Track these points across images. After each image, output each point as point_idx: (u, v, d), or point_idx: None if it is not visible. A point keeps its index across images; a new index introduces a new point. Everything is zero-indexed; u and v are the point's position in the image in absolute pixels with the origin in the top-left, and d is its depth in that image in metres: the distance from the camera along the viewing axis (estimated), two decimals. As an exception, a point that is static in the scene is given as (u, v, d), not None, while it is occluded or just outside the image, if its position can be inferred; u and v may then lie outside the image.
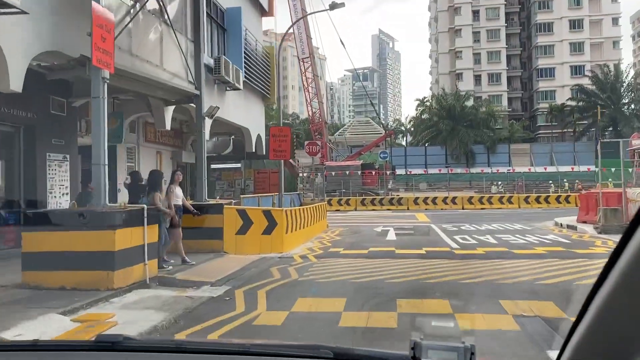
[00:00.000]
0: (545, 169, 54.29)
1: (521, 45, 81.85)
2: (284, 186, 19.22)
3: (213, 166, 21.22)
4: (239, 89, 15.74)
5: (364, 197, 34.47)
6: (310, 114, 48.56)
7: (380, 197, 34.27)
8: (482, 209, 31.47)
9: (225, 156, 20.80)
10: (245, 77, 16.83)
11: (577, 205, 31.50)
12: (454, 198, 32.42)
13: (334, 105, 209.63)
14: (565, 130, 68.52)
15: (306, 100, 48.79)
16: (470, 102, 60.63)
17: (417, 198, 32.89)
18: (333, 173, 42.61)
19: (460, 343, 1.31)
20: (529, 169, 51.58)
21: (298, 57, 48.47)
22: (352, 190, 41.00)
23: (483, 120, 58.71)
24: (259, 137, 20.07)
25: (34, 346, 1.57)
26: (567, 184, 45.29)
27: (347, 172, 41.61)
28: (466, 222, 21.88)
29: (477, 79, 78.22)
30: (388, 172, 42.38)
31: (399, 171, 52.55)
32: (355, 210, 32.75)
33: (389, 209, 32.26)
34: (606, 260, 0.99)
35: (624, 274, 0.94)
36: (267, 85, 19.95)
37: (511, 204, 31.89)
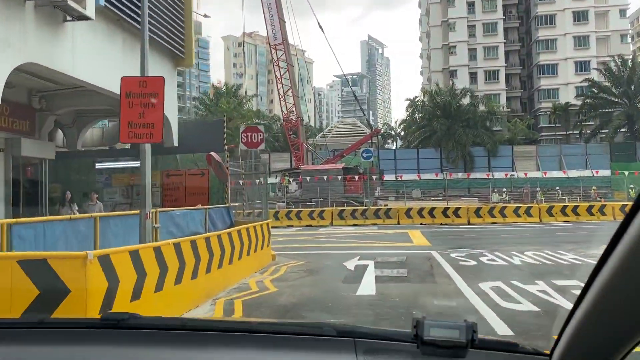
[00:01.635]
0: (545, 173, 47.62)
1: (520, 40, 75.43)
2: (207, 197, 12.19)
3: (99, 165, 14.21)
4: (87, 18, 8.59)
5: (342, 208, 27.27)
6: (285, 111, 41.46)
7: (363, 207, 27.10)
8: (492, 223, 24.46)
9: (120, 151, 13.72)
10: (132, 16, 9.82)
11: (615, 219, 24.87)
12: (457, 209, 25.37)
13: (323, 112, 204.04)
14: (571, 132, 61.96)
15: (279, 94, 41.75)
16: (467, 100, 53.84)
17: (409, 209, 25.80)
18: (308, 179, 35.49)
19: (462, 321, 1.31)
20: (544, 174, 44.67)
21: (269, 44, 41.46)
22: (330, 199, 33.95)
23: (482, 119, 51.85)
24: (166, 120, 12.97)
25: (40, 324, 1.59)
26: (592, 191, 38.62)
27: (326, 178, 34.51)
28: (483, 247, 14.86)
29: (473, 76, 71.52)
30: (374, 177, 35.31)
31: (387, 177, 45.47)
32: (331, 225, 25.62)
33: (374, 224, 25.19)
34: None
35: (617, 270, 0.96)
36: (178, 38, 12.84)
37: (530, 216, 24.87)
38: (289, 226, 25.75)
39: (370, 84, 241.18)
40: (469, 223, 24.84)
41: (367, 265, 11.57)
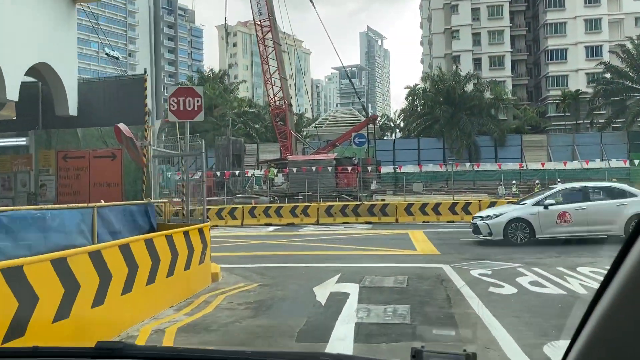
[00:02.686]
0: (565, 164, 43.38)
1: (526, 24, 71.05)
2: (121, 189, 8.14)
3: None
4: None
5: (330, 203, 23.13)
6: (272, 95, 37.22)
7: (355, 203, 22.94)
8: (510, 221, 20.29)
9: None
10: None
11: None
12: (467, 205, 21.20)
13: (321, 104, 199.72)
14: (582, 121, 57.73)
15: (264, 76, 37.46)
16: (471, 87, 49.56)
17: (410, 205, 21.62)
18: (295, 170, 31.34)
19: (462, 351, 1.28)
20: (564, 164, 40.37)
21: (254, 20, 37.20)
22: (320, 193, 29.82)
23: (489, 106, 47.59)
24: (59, 81, 8.78)
25: (34, 352, 1.56)
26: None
27: (315, 169, 30.34)
28: (511, 258, 10.78)
29: (477, 62, 67.18)
30: (370, 169, 31.15)
31: (385, 169, 41.21)
32: (317, 223, 21.50)
33: (368, 222, 21.10)
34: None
35: (628, 279, 0.94)
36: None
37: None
38: (267, 224, 21.67)
39: (369, 76, 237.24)
40: (481, 221, 20.68)
41: (347, 295, 7.46)
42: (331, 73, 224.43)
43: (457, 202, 21.42)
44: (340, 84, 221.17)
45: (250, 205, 23.21)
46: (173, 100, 9.26)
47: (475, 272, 9.36)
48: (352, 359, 1.53)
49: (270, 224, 21.75)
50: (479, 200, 22.30)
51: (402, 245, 13.75)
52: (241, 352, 1.62)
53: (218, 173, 31.45)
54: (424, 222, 20.71)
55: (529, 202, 13.85)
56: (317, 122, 59.15)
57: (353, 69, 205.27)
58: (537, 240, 12.94)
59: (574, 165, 41.76)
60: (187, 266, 8.06)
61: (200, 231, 9.10)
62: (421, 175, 42.20)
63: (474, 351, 1.28)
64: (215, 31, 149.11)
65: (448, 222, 20.67)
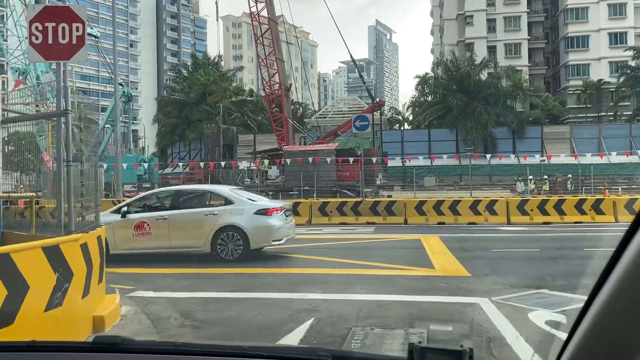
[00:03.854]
0: (602, 155, 39.22)
1: (545, 10, 66.70)
2: None
3: None
4: None
5: (325, 200, 19.29)
6: (267, 79, 33.44)
7: (355, 199, 19.08)
8: (545, 223, 16.49)
9: None
10: None
11: None
12: (492, 203, 17.31)
13: (328, 98, 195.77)
14: (605, 113, 53.56)
15: (258, 57, 33.70)
16: (485, 75, 45.55)
17: (422, 202, 17.67)
18: (289, 161, 27.61)
19: (459, 347, 1.26)
20: (601, 156, 36.10)
21: (247, -5, 33.37)
22: (318, 188, 26.18)
23: (506, 94, 43.53)
24: None
25: (31, 346, 1.55)
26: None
27: (311, 160, 26.60)
28: (579, 282, 6.92)
29: (492, 50, 62.68)
30: (375, 160, 27.33)
31: (392, 162, 37.28)
32: (309, 224, 17.72)
33: (370, 223, 17.32)
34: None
35: (626, 275, 0.93)
36: None
37: (601, 213, 16.80)
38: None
39: (378, 70, 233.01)
40: (509, 222, 16.86)
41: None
42: (339, 67, 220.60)
43: (480, 200, 17.50)
44: (348, 78, 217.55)
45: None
46: (36, 29, 5.51)
47: (537, 316, 5.60)
48: (350, 354, 1.40)
49: (253, 224, 18.00)
50: (505, 198, 18.42)
51: (414, 259, 9.98)
52: (238, 347, 1.55)
53: (202, 164, 27.76)
54: (439, 223, 16.88)
55: (113, 208, 10.79)
56: (320, 113, 55.30)
57: (361, 62, 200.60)
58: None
59: (621, 159, 37.23)
60: (52, 304, 4.37)
61: (84, 247, 5.41)
62: (432, 169, 38.31)
63: (471, 346, 1.26)
64: (219, 21, 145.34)
65: (469, 224, 16.83)
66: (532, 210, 17.12)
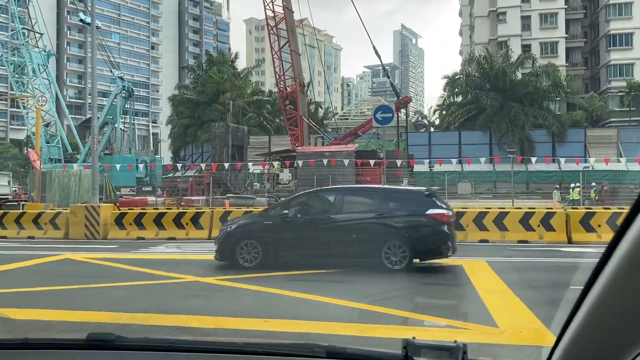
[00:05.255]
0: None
1: (583, 7, 62.33)
2: None
3: None
4: None
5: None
6: (280, 74, 30.29)
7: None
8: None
9: None
10: None
11: None
12: (549, 217, 13.67)
13: (351, 102, 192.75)
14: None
15: (272, 50, 30.59)
16: (520, 74, 41.64)
17: (460, 214, 14.05)
18: (300, 163, 24.35)
19: (453, 342, 1.29)
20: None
21: (259, -19, 30.30)
22: (334, 195, 22.72)
23: (545, 94, 39.61)
24: None
25: (25, 344, 1.55)
26: None
27: (326, 162, 23.28)
28: None
29: (526, 49, 58.72)
30: (399, 163, 23.86)
31: (418, 167, 33.58)
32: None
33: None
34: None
35: (617, 271, 0.94)
36: None
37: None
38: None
39: (403, 75, 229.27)
40: (570, 241, 13.22)
41: None
42: (363, 72, 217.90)
43: (533, 212, 13.82)
44: (372, 83, 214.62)
45: (223, 210, 16.23)
46: None
47: None
48: (345, 349, 1.37)
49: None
50: (564, 210, 14.78)
51: (457, 304, 6.56)
52: (233, 344, 1.55)
53: (203, 166, 24.65)
54: (480, 241, 13.35)
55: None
56: (341, 114, 52.01)
57: (386, 67, 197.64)
58: None
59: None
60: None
61: None
62: (463, 174, 34.61)
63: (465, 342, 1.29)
64: (242, 24, 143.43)
65: (519, 242, 13.25)
66: (599, 225, 13.45)
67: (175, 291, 7.42)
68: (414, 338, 1.31)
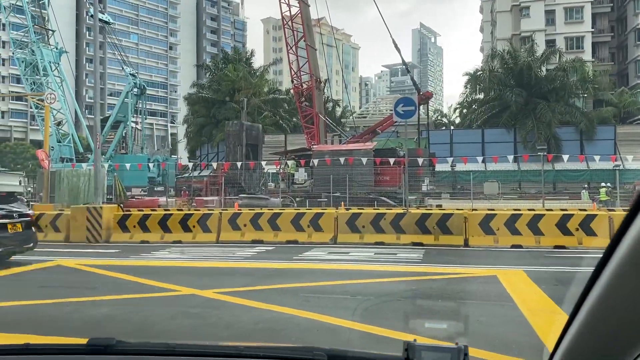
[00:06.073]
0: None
1: (610, 0, 60.22)
2: None
3: None
4: None
5: (356, 211, 14.60)
6: (295, 69, 29.25)
7: (396, 211, 14.33)
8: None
9: None
10: None
11: None
12: (589, 219, 12.34)
13: (369, 102, 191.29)
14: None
15: (287, 45, 29.57)
16: (544, 70, 39.94)
17: (490, 217, 12.78)
18: (316, 162, 23.27)
19: (454, 344, 1.29)
20: None
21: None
22: (352, 195, 21.81)
23: (573, 90, 37.91)
24: None
25: (26, 349, 1.55)
26: None
27: (343, 161, 22.16)
28: None
29: (550, 44, 56.83)
30: (420, 162, 22.63)
31: (439, 166, 32.26)
32: (334, 242, 13.27)
33: (417, 243, 12.68)
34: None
35: (618, 272, 0.94)
36: None
37: None
38: (255, 242, 13.65)
39: (421, 74, 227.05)
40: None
41: None
42: (381, 71, 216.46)
43: (572, 215, 12.50)
44: (390, 82, 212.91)
45: (232, 211, 15.20)
46: None
47: None
48: (346, 352, 1.39)
49: (261, 242, 13.70)
50: (605, 212, 13.43)
51: (501, 328, 5.38)
52: (234, 347, 1.55)
53: (215, 165, 23.69)
54: (512, 246, 12.10)
55: None
56: (359, 113, 50.80)
57: (404, 66, 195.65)
58: None
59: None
60: None
61: None
62: (486, 173, 33.19)
63: (466, 344, 1.27)
64: (260, 24, 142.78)
65: (555, 247, 11.98)
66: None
67: (164, 308, 6.37)
68: (415, 340, 1.29)
